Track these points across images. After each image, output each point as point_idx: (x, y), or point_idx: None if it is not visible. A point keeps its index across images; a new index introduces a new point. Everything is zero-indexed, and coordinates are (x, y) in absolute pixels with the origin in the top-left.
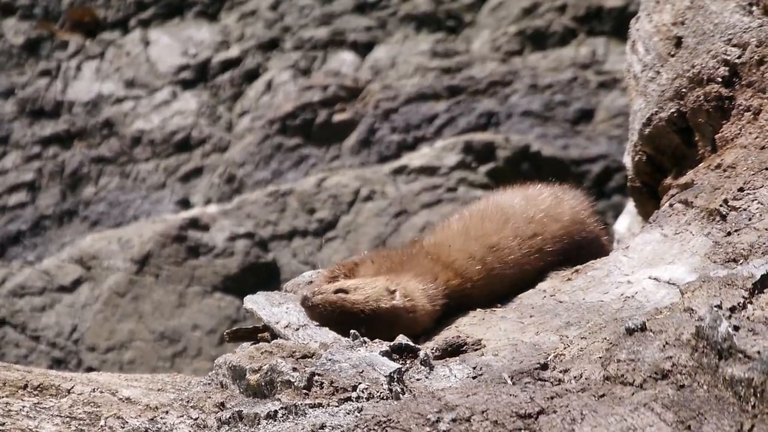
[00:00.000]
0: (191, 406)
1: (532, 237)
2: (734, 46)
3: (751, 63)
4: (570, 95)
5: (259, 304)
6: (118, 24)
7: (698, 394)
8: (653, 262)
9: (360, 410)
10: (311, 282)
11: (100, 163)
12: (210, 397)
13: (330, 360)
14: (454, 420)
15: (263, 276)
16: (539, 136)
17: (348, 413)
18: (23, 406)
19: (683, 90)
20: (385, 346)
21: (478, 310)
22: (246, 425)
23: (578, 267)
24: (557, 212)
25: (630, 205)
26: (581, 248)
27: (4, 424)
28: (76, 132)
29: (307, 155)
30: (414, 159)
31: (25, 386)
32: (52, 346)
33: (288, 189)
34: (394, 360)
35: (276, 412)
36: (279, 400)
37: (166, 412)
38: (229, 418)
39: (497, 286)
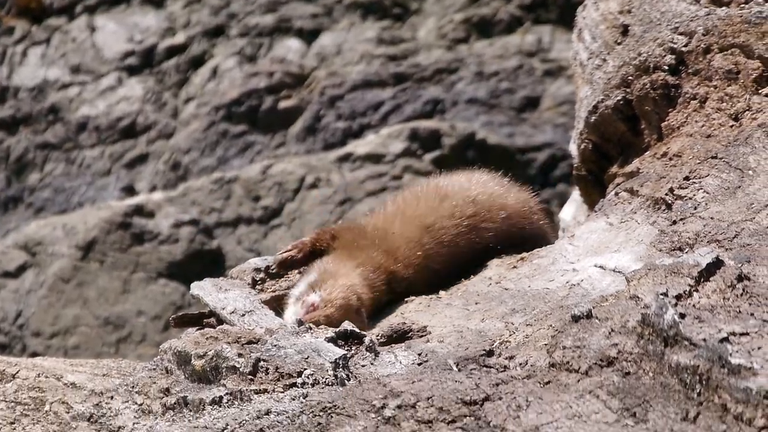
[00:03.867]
0: (136, 392)
1: (471, 217)
2: (681, 34)
3: (697, 51)
4: (516, 83)
5: (206, 290)
6: (64, 10)
7: (644, 382)
8: (599, 251)
9: (305, 396)
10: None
11: (46, 149)
12: (155, 383)
13: (275, 346)
14: (399, 406)
15: (208, 263)
16: (485, 124)
17: (293, 399)
18: None
19: (630, 78)
20: (331, 332)
21: (422, 296)
22: (191, 411)
23: (524, 255)
24: (501, 197)
25: (575, 194)
26: (525, 241)
27: None
28: (21, 118)
29: (253, 142)
30: (359, 146)
31: None
32: None
33: (233, 176)
34: (339, 346)
35: (221, 397)
36: (224, 385)
37: (111, 398)
38: (174, 403)
39: (435, 266)
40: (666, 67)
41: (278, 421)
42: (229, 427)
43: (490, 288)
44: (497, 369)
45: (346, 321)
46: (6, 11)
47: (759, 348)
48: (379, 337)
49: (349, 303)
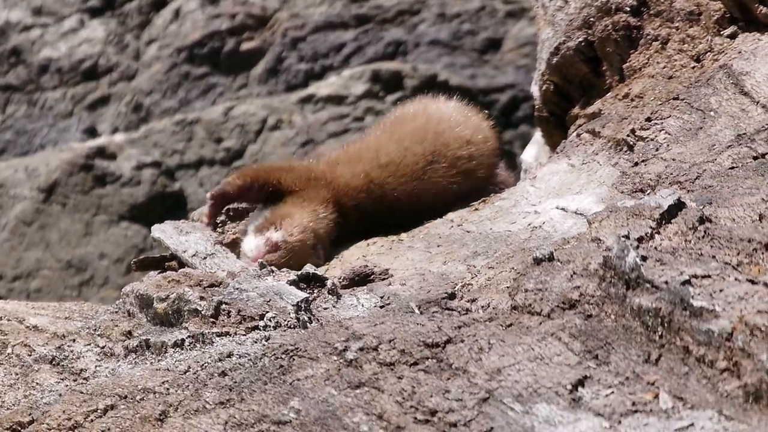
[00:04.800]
0: (98, 335)
1: (432, 153)
2: None
3: None
4: (478, 24)
5: (167, 233)
6: None
7: (606, 324)
8: (560, 192)
9: (267, 339)
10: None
11: (7, 91)
12: (117, 326)
13: (237, 289)
14: (361, 349)
15: (170, 205)
16: (447, 66)
17: (255, 342)
18: None
19: (591, 19)
20: (293, 275)
21: (384, 238)
22: (153, 353)
23: (485, 197)
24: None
25: (537, 135)
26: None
27: None
28: None
29: (215, 84)
30: (321, 88)
31: None
32: None
33: (195, 118)
34: (301, 289)
35: (183, 340)
36: (186, 328)
37: (74, 341)
38: (137, 346)
39: (393, 202)
40: (628, 9)
41: (240, 364)
42: (191, 369)
43: (452, 230)
44: (459, 312)
45: (308, 264)
46: None
47: (720, 290)
48: (341, 280)
49: (306, 243)
